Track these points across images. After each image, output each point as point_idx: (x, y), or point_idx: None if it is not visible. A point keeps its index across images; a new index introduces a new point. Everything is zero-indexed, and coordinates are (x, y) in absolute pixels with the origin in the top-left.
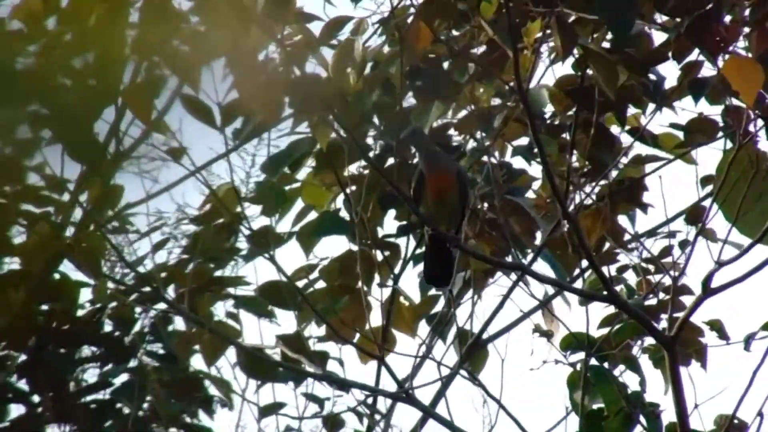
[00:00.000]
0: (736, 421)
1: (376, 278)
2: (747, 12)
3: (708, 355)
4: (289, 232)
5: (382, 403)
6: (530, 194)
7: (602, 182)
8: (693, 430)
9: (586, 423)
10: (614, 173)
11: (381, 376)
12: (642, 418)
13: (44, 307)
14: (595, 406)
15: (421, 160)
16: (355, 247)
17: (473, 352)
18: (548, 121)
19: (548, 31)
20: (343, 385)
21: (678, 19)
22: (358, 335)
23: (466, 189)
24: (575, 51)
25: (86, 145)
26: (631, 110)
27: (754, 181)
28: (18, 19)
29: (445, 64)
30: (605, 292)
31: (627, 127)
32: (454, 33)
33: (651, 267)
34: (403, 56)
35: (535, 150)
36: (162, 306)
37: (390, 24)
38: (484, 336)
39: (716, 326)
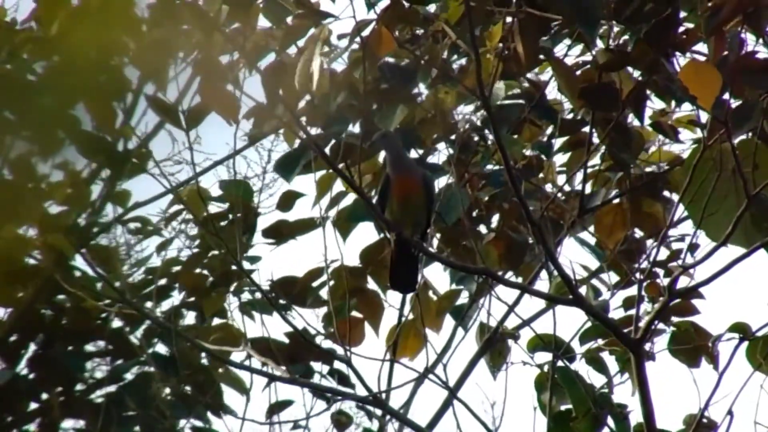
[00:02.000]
0: (705, 420)
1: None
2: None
3: (719, 358)
4: (322, 217)
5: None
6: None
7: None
8: (660, 430)
9: (554, 424)
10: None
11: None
12: (610, 419)
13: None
14: (563, 407)
15: (388, 163)
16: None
17: (491, 346)
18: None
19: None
20: (318, 388)
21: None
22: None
23: (431, 193)
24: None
25: (91, 141)
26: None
27: (718, 181)
28: None
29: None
30: (570, 296)
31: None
32: (417, 36)
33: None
34: (365, 61)
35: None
36: (148, 316)
37: (353, 29)
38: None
39: (685, 327)
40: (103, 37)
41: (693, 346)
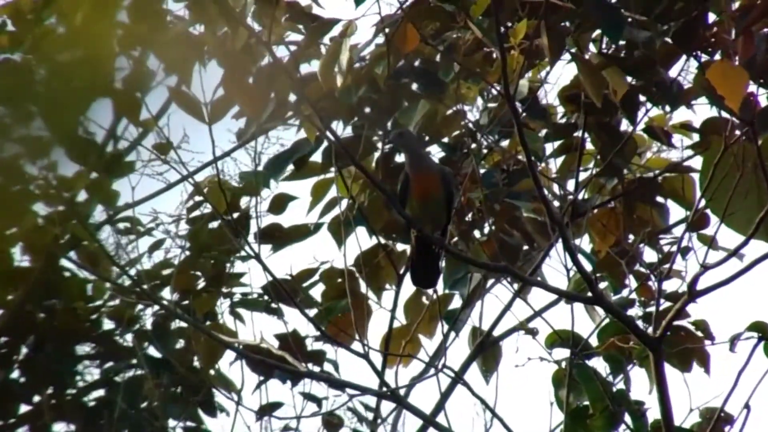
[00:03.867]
0: (722, 414)
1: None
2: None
3: (711, 362)
4: (317, 223)
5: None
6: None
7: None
8: (678, 427)
9: (571, 420)
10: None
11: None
12: (627, 416)
13: (45, 305)
14: (580, 404)
15: (406, 162)
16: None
17: (484, 349)
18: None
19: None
20: (335, 384)
21: (665, 25)
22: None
23: (451, 191)
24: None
25: (79, 143)
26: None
27: (740, 179)
28: (5, 15)
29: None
30: (590, 293)
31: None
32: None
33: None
34: (389, 57)
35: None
36: (162, 304)
37: (378, 25)
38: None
39: (701, 327)
40: (127, 30)
41: (684, 351)
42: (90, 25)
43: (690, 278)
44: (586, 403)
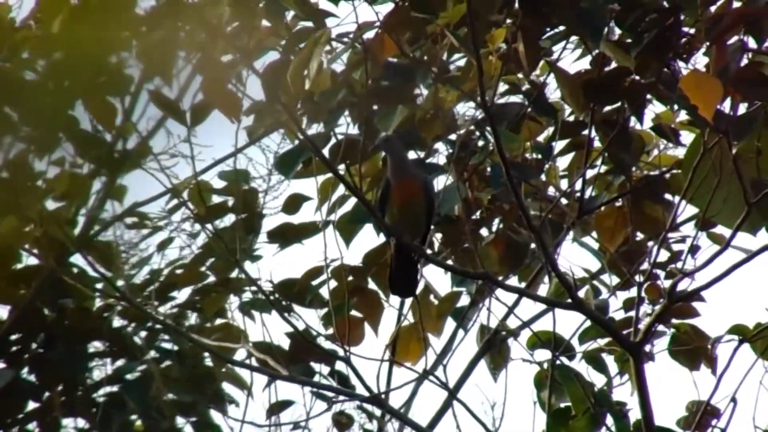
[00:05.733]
0: (708, 408)
1: None
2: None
3: (718, 363)
4: (325, 220)
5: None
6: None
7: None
8: (659, 427)
9: (553, 421)
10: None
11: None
12: (609, 418)
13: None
14: (562, 405)
15: (389, 168)
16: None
17: (491, 348)
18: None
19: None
20: (317, 386)
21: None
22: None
23: (432, 198)
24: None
25: (85, 140)
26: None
27: (718, 184)
28: None
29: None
30: (570, 299)
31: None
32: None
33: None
34: (366, 66)
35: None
36: (151, 315)
37: (355, 32)
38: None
39: (684, 329)
40: (104, 35)
41: (693, 349)
42: (68, 31)
43: (670, 283)
44: (569, 404)
